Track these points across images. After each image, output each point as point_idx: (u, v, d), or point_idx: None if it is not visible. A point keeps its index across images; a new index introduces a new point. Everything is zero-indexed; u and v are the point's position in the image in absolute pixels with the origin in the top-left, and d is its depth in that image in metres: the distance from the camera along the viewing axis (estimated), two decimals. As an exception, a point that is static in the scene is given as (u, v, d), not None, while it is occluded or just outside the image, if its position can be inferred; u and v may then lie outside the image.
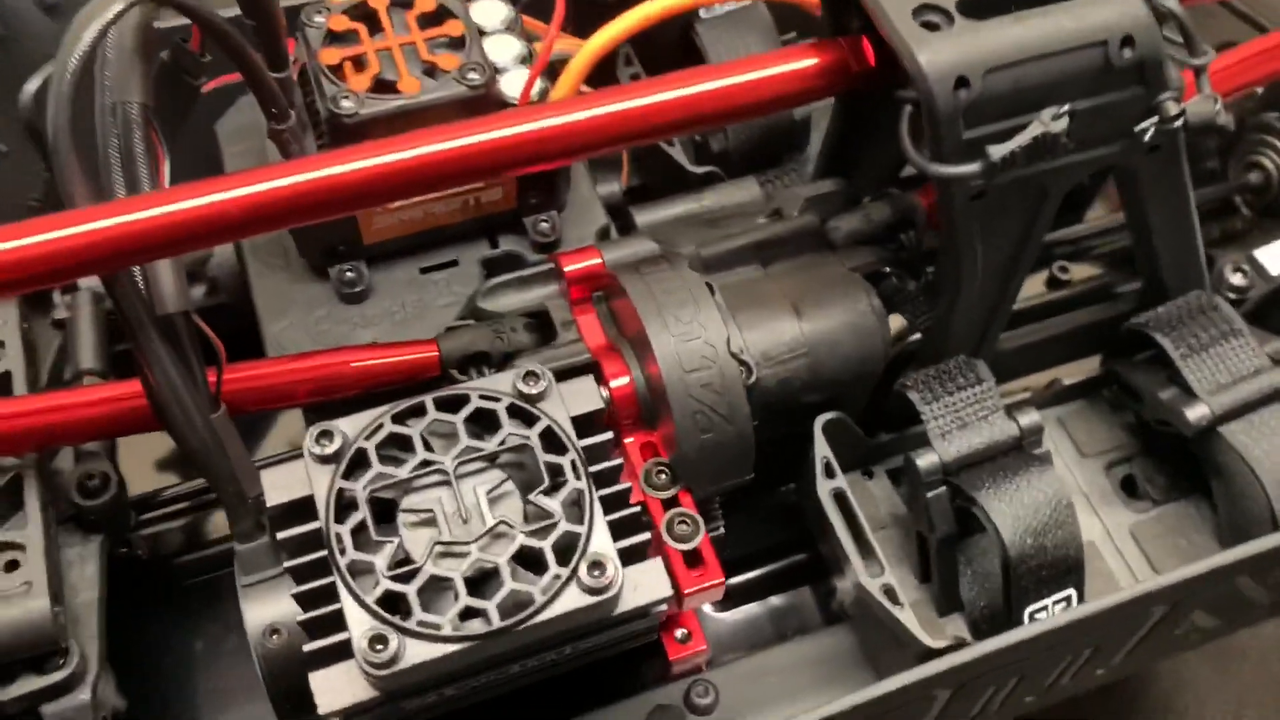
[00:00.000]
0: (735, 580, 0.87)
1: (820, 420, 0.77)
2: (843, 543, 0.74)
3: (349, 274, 0.82)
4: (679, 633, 0.78)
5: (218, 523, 0.88)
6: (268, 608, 0.68)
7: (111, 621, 0.72)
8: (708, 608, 0.87)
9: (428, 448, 0.65)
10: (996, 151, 0.62)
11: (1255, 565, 0.70)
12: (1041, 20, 0.62)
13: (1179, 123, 0.65)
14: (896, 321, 0.80)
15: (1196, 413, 0.80)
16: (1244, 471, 0.80)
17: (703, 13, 0.95)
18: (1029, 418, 0.79)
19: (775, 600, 0.87)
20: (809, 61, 0.67)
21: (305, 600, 0.64)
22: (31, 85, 0.82)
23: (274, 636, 0.68)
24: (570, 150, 0.63)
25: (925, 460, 0.77)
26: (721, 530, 0.78)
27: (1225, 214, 1.02)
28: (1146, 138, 0.66)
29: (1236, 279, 0.91)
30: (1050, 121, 0.62)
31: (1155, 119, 0.66)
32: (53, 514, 0.70)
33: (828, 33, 0.72)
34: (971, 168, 0.63)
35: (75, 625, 0.69)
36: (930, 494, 0.77)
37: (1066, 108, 0.62)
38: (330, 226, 0.80)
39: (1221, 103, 0.66)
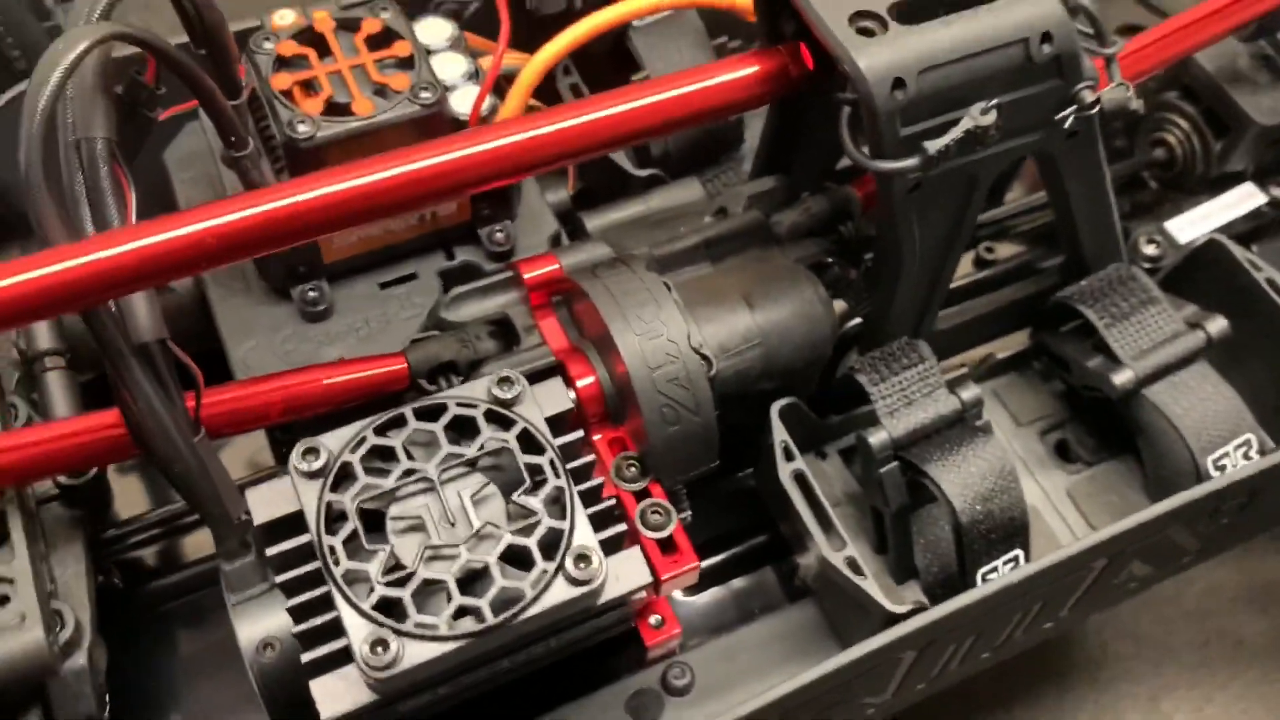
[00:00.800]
0: (705, 564, 0.90)
1: (776, 406, 0.81)
2: (805, 521, 0.78)
3: (311, 293, 0.84)
4: (653, 619, 0.82)
5: (190, 545, 0.89)
6: (259, 623, 0.70)
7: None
8: (678, 594, 0.90)
9: (410, 457, 0.67)
10: (932, 146, 0.66)
11: (1185, 514, 0.76)
12: (968, 22, 0.66)
13: (1095, 110, 0.70)
14: (839, 306, 0.84)
15: (1122, 377, 0.85)
16: (1167, 429, 0.86)
17: (636, 22, 0.98)
18: (969, 392, 0.83)
19: (739, 582, 0.90)
20: (750, 69, 0.70)
21: (299, 612, 0.66)
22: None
23: (267, 650, 0.70)
24: (528, 166, 0.66)
25: (876, 438, 0.81)
26: (689, 515, 0.82)
27: (1135, 188, 1.08)
28: (1066, 125, 0.71)
29: (1150, 249, 0.98)
30: (980, 115, 0.66)
31: (1075, 108, 0.71)
32: (38, 538, 0.71)
33: (764, 40, 0.75)
34: (910, 162, 0.67)
35: (67, 596, 0.71)
36: (883, 469, 0.82)
37: (994, 101, 0.67)
38: (291, 249, 0.82)
39: (1133, 89, 0.71)
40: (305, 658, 0.65)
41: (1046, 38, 0.67)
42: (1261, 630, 1.23)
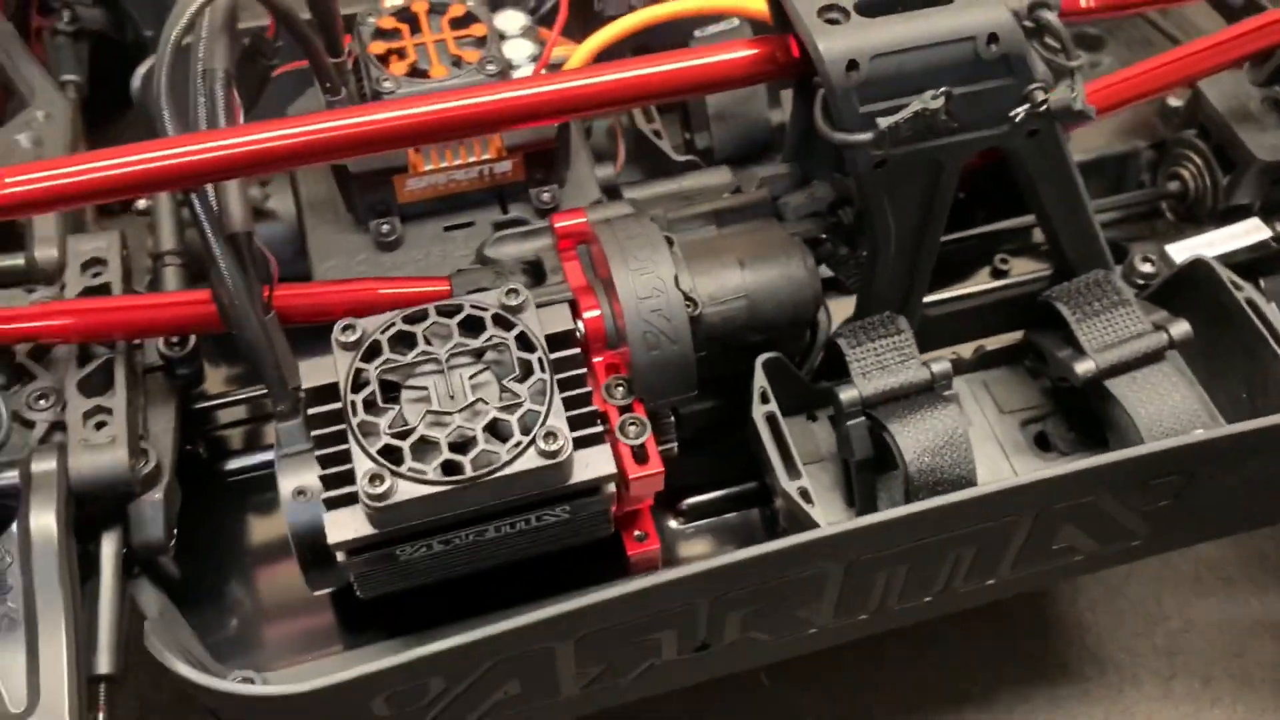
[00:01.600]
0: (695, 499, 1.01)
1: (761, 358, 0.93)
2: (768, 454, 0.89)
3: (384, 227, 1.00)
4: (636, 533, 0.94)
5: (269, 433, 1.06)
6: (298, 475, 0.85)
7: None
8: (671, 522, 1.02)
9: (428, 343, 0.82)
10: (883, 121, 0.78)
11: (1099, 479, 0.83)
12: (921, 19, 0.78)
13: (1044, 108, 0.81)
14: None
15: (1084, 366, 0.93)
16: (1127, 421, 0.93)
17: (697, 32, 1.12)
18: (940, 365, 0.93)
19: (729, 517, 1.01)
20: (746, 53, 0.83)
21: (325, 460, 0.81)
22: (140, 71, 1.03)
23: (300, 496, 0.85)
24: (548, 112, 0.81)
25: (847, 394, 0.92)
26: (674, 448, 0.94)
27: (1152, 217, 1.16)
28: (1018, 120, 0.82)
29: (1145, 267, 1.05)
30: (929, 100, 0.78)
31: (1027, 105, 0.82)
32: (139, 388, 0.88)
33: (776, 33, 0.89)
34: (865, 136, 0.79)
35: (155, 443, 0.88)
36: (850, 423, 0.92)
37: (943, 89, 0.78)
38: (372, 187, 0.99)
39: (1079, 92, 0.81)
40: (324, 496, 0.80)
41: (993, 38, 0.78)
42: (1232, 673, 1.25)
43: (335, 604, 0.98)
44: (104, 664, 0.85)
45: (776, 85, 1.10)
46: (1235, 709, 1.24)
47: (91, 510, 0.86)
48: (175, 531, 0.91)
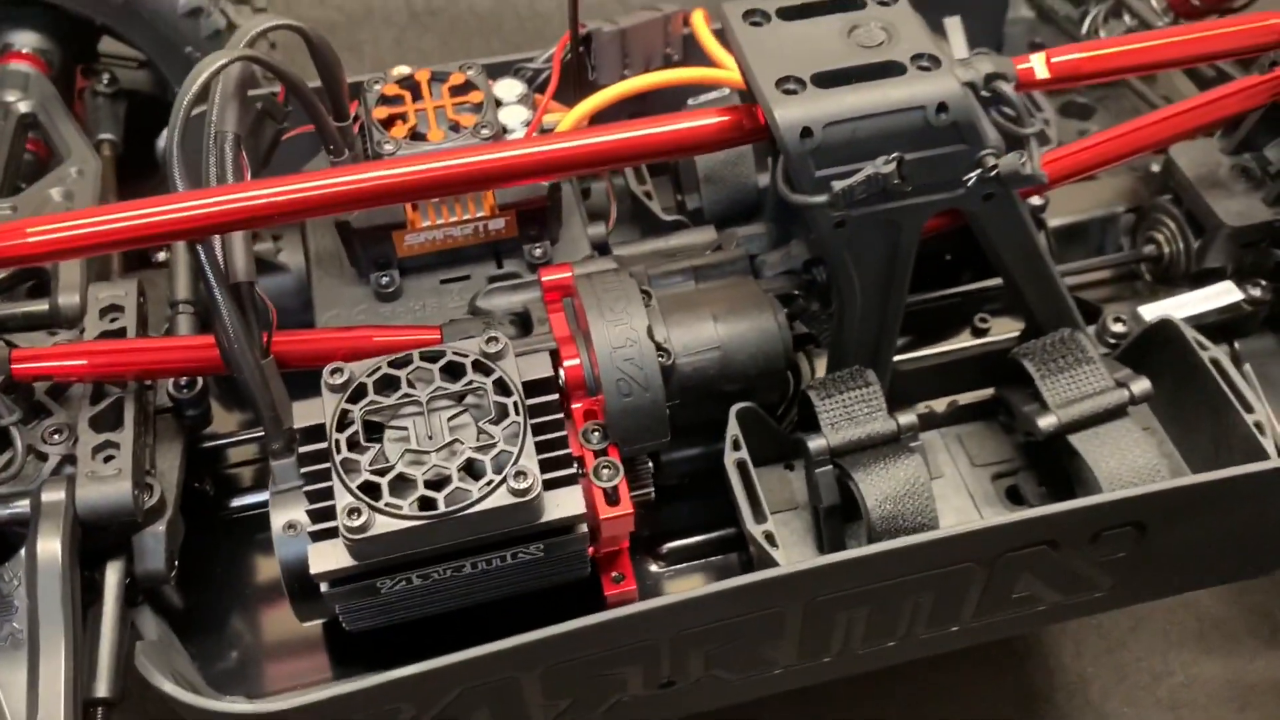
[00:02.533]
0: (675, 544, 1.05)
1: (735, 407, 0.97)
2: (736, 498, 0.92)
3: (384, 279, 1.07)
4: (614, 575, 0.98)
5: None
6: (289, 510, 0.90)
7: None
8: (653, 566, 1.06)
9: (410, 386, 0.87)
10: (838, 185, 0.83)
11: (1041, 530, 0.86)
12: (874, 89, 0.83)
13: (994, 173, 0.85)
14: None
15: (1047, 420, 0.97)
16: (1090, 476, 0.96)
17: (691, 100, 1.18)
18: (907, 418, 0.97)
19: (709, 561, 1.05)
20: (716, 120, 0.89)
21: (313, 496, 0.86)
22: (165, 132, 1.11)
23: (290, 530, 0.90)
24: (530, 171, 0.86)
25: (815, 443, 0.96)
26: (651, 493, 0.98)
27: (1131, 279, 1.19)
28: (969, 184, 0.86)
29: (1117, 327, 1.08)
30: (881, 165, 0.82)
31: (978, 170, 0.86)
32: (143, 424, 0.94)
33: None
34: (820, 198, 0.84)
35: (160, 478, 0.94)
36: (818, 470, 0.96)
37: (895, 155, 0.83)
38: (373, 242, 1.06)
39: (1032, 158, 0.85)
40: (310, 529, 0.85)
41: (943, 107, 0.83)
42: None
43: (330, 641, 1.03)
44: (103, 688, 0.90)
45: (764, 150, 1.16)
46: (1238, 767, 1.25)
47: (97, 539, 0.91)
48: (177, 563, 0.97)
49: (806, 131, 0.82)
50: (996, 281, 1.15)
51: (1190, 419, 1.02)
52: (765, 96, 0.83)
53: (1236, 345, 1.14)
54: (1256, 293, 1.11)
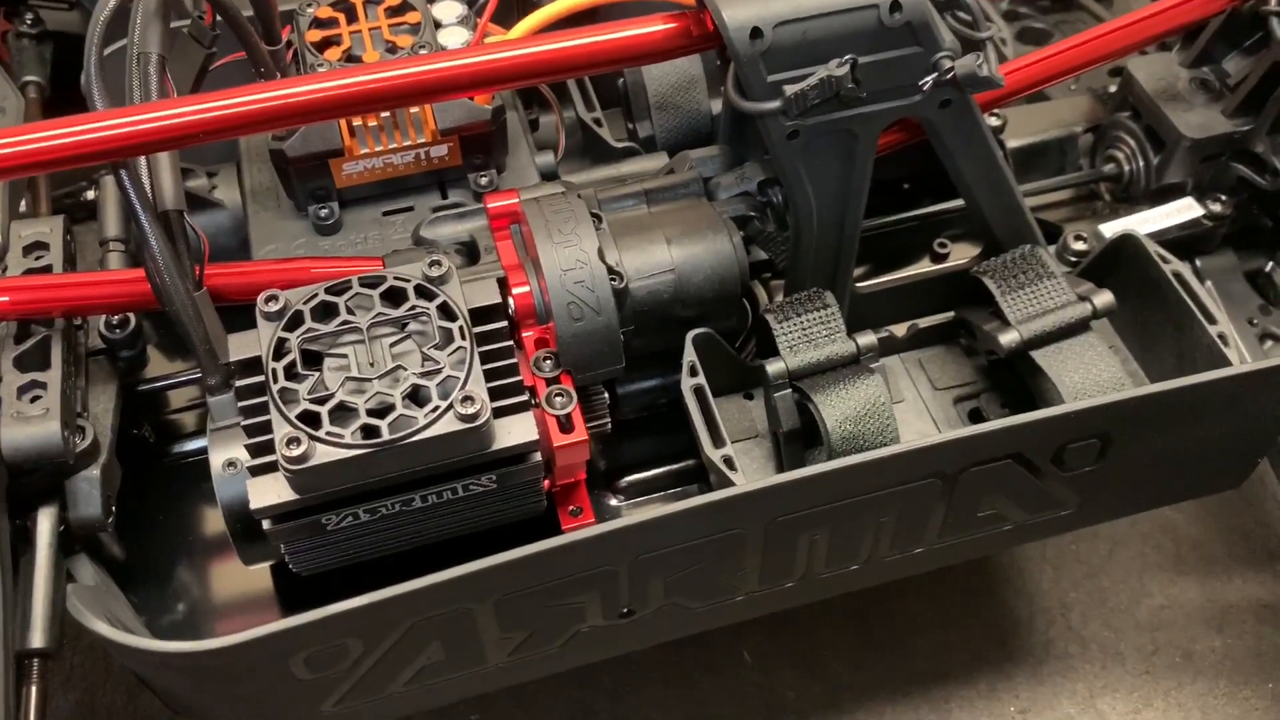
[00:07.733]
0: (634, 477, 1.02)
1: (692, 333, 0.94)
2: (695, 425, 0.90)
3: (323, 211, 1.02)
4: (571, 508, 0.95)
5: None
6: (228, 448, 0.87)
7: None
8: (612, 500, 1.03)
9: (350, 313, 0.83)
10: (790, 89, 0.79)
11: (1006, 441, 0.84)
12: (825, -10, 0.80)
13: (950, 76, 0.82)
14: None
15: (1008, 337, 0.95)
16: (1054, 392, 0.94)
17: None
18: (866, 339, 0.94)
19: (669, 493, 1.02)
20: (662, 26, 0.85)
21: (251, 430, 0.82)
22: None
23: (230, 469, 0.86)
24: (468, 84, 0.82)
25: (774, 367, 0.93)
26: (608, 424, 0.95)
27: (1091, 199, 1.17)
28: (926, 89, 0.84)
29: (1078, 245, 1.06)
30: (834, 68, 0.79)
31: (934, 74, 0.83)
32: (73, 364, 0.90)
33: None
34: (773, 104, 0.80)
35: (94, 421, 0.90)
36: (777, 394, 0.94)
37: (848, 57, 0.80)
38: (310, 172, 1.01)
39: (988, 61, 0.82)
40: (249, 464, 0.81)
41: (896, 6, 0.80)
42: (1213, 648, 1.25)
43: (281, 591, 1.00)
44: (37, 638, 0.85)
45: (718, 76, 1.12)
46: (1217, 682, 1.25)
47: (27, 484, 0.87)
48: (114, 510, 0.93)
49: (756, 32, 0.79)
50: (957, 203, 1.13)
51: (1153, 334, 1.00)
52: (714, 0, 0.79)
53: (1198, 263, 1.13)
54: (1217, 208, 1.10)
